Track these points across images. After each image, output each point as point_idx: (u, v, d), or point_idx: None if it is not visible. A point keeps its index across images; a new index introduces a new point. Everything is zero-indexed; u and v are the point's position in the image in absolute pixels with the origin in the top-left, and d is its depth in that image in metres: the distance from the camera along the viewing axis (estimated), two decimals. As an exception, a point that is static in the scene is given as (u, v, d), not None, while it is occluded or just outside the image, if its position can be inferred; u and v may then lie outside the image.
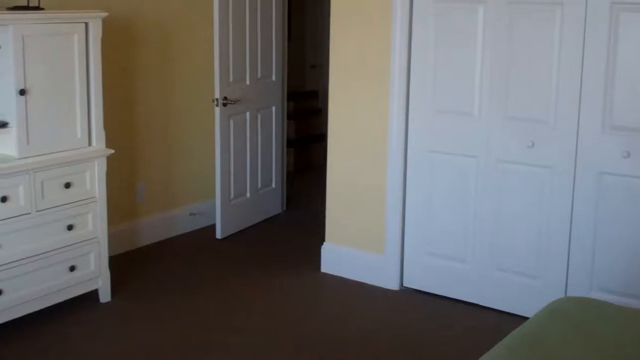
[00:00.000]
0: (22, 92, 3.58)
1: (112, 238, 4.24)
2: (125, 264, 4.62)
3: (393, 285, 4.39)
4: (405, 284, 4.40)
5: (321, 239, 4.68)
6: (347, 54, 4.37)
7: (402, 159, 4.26)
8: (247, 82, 5.28)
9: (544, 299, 3.59)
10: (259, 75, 5.40)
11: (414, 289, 4.37)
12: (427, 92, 4.14)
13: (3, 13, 3.62)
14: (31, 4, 3.82)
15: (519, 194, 3.95)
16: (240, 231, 5.35)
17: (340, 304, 4.25)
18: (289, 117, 6.07)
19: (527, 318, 3.68)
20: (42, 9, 3.80)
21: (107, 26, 4.00)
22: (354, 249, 4.51)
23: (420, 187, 4.25)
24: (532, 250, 3.95)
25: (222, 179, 5.11)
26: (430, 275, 4.29)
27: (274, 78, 5.58)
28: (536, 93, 3.82)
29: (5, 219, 3.57)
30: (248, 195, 5.43)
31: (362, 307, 4.20)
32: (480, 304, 4.14)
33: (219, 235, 5.17)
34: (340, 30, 4.38)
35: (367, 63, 4.30)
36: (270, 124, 5.60)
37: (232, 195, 5.24)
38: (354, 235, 4.51)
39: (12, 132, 3.62)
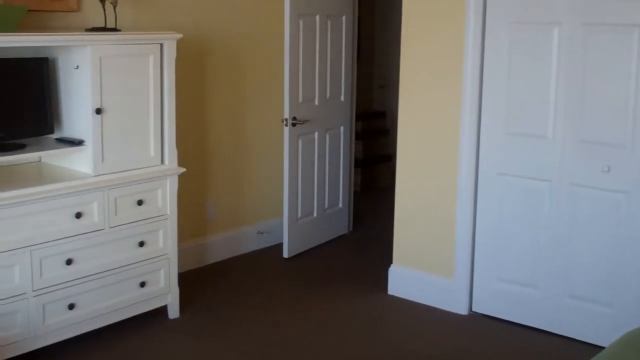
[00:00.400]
0: (99, 111, 3.68)
1: (181, 255, 4.29)
2: (193, 281, 4.67)
3: (462, 309, 4.32)
4: (474, 309, 4.32)
5: (388, 260, 4.64)
6: (417, 74, 4.35)
7: (473, 181, 4.20)
8: (316, 103, 5.30)
9: (617, 328, 3.49)
10: (328, 95, 5.42)
11: (483, 314, 4.28)
12: (499, 113, 4.08)
13: (82, 34, 3.73)
14: (108, 26, 3.93)
15: (593, 219, 3.84)
16: (307, 250, 5.35)
17: (407, 327, 4.20)
18: (356, 137, 6.07)
19: (599, 347, 3.60)
20: (119, 30, 3.90)
21: (181, 47, 4.07)
22: (422, 272, 4.46)
23: (490, 210, 4.18)
24: (605, 278, 3.83)
25: (289, 198, 5.13)
26: (500, 300, 4.20)
27: (342, 98, 5.59)
28: (613, 116, 3.72)
29: (79, 235, 3.66)
30: (315, 214, 5.43)
31: (429, 331, 4.13)
32: (552, 331, 4.03)
33: (285, 254, 5.19)
34: (410, 51, 4.36)
35: (438, 83, 4.27)
36: (338, 144, 5.61)
37: (299, 215, 5.25)
38: (422, 258, 4.45)
39: (87, 150, 3.71)
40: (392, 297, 4.56)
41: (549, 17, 3.85)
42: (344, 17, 5.49)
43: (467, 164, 4.19)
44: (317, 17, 5.20)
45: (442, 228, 4.34)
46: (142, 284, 3.97)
